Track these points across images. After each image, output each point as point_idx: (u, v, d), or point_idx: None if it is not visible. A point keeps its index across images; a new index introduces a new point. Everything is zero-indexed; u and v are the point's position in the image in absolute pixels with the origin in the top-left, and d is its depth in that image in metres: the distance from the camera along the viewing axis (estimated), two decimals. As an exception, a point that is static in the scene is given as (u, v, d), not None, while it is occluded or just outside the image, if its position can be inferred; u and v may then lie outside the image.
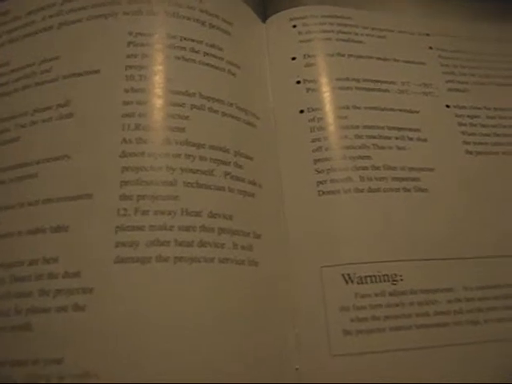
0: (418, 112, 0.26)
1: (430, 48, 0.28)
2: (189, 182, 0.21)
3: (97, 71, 0.23)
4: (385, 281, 0.22)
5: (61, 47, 0.24)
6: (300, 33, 0.27)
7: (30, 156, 0.22)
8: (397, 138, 0.24)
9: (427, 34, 0.29)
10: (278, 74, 0.26)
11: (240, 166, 0.23)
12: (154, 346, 0.19)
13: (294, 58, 0.27)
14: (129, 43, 0.24)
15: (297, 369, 0.21)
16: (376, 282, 0.22)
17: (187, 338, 0.19)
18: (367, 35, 0.27)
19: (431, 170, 0.24)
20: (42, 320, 0.19)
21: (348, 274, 0.22)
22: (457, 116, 0.26)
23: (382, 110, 0.25)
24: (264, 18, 0.28)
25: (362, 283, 0.22)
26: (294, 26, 0.27)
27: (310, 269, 0.22)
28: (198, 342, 0.19)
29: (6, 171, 0.22)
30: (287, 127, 0.25)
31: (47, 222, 0.21)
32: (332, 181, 0.23)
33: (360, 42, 0.27)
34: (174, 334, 0.19)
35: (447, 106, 0.26)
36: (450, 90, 0.27)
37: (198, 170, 0.22)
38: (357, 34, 0.27)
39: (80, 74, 0.23)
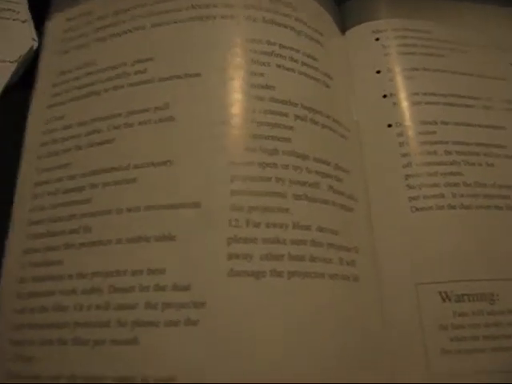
0: (503, 128, 0.24)
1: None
2: (298, 195, 0.19)
3: (197, 75, 0.21)
4: (482, 300, 0.20)
5: (155, 48, 0.22)
6: (384, 46, 0.25)
7: (126, 160, 0.20)
8: (485, 155, 0.23)
9: (509, 49, 0.27)
10: (363, 88, 0.25)
11: (340, 180, 0.21)
12: (270, 364, 0.17)
13: (378, 72, 0.25)
14: (230, 48, 0.21)
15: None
16: (473, 300, 0.20)
17: (299, 354, 0.17)
18: (449, 49, 0.26)
19: (519, 187, 0.22)
20: (151, 334, 0.17)
21: (445, 292, 0.20)
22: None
23: (469, 125, 0.23)
24: (342, 29, 0.26)
25: (460, 301, 0.20)
26: (377, 39, 0.25)
27: (404, 286, 0.21)
28: (308, 358, 0.18)
29: (99, 174, 0.20)
30: (375, 141, 0.23)
31: (151, 231, 0.18)
32: (425, 197, 0.22)
33: (443, 56, 0.25)
34: (288, 352, 0.17)
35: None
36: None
37: (305, 183, 0.20)
38: (439, 49, 0.25)
39: (179, 77, 0.21)
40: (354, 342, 0.19)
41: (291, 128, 0.20)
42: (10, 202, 0.22)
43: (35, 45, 0.26)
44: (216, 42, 0.22)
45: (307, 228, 0.19)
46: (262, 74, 0.21)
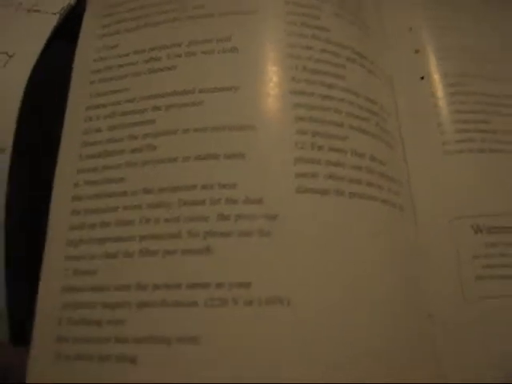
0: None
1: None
2: (354, 126, 0.21)
3: (256, 12, 0.22)
4: (510, 232, 0.22)
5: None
6: (415, 5, 0.28)
7: (190, 84, 0.21)
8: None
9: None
10: (396, 43, 0.27)
11: (384, 120, 0.23)
12: (337, 273, 0.18)
13: (411, 29, 0.27)
14: (285, -9, 0.23)
15: (430, 315, 0.21)
16: (503, 232, 0.22)
17: (354, 261, 0.19)
18: (479, 8, 0.28)
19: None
20: (224, 244, 0.18)
21: (477, 225, 0.22)
22: None
23: (496, 79, 0.26)
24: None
25: (491, 233, 0.22)
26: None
27: (439, 220, 0.23)
28: (361, 272, 0.19)
29: (162, 97, 0.21)
30: (408, 92, 0.25)
31: (219, 149, 0.20)
32: (457, 141, 0.24)
33: (472, 12, 0.28)
34: (345, 257, 0.19)
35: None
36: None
37: (358, 116, 0.21)
38: (469, 7, 0.28)
39: (239, 13, 0.22)
40: (400, 264, 0.21)
41: (344, 67, 0.22)
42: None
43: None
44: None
45: (362, 156, 0.21)
46: (317, 17, 0.23)
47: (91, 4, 0.25)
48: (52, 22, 0.27)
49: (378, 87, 0.24)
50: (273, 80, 0.21)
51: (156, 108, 0.21)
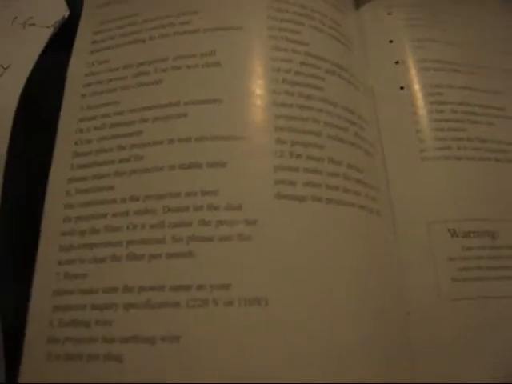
0: (501, 93, 0.28)
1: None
2: (331, 135, 0.22)
3: (240, 28, 0.24)
4: (485, 236, 0.24)
5: (198, 4, 0.24)
6: (396, 19, 0.29)
7: (176, 97, 0.22)
8: (486, 115, 0.27)
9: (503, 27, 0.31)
10: (378, 55, 0.28)
11: (363, 129, 0.24)
12: (315, 277, 0.20)
13: (391, 41, 0.28)
14: (268, 7, 0.24)
15: (408, 313, 0.22)
16: (478, 237, 0.23)
17: (332, 267, 0.20)
18: (454, 23, 0.30)
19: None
20: (206, 248, 0.19)
21: (453, 229, 0.24)
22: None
23: (471, 90, 0.27)
24: (356, 6, 0.30)
25: (466, 237, 0.23)
26: (390, 14, 0.29)
27: (417, 224, 0.24)
28: (339, 276, 0.20)
29: (149, 110, 0.22)
30: (389, 101, 0.27)
31: (203, 158, 0.21)
32: (434, 149, 0.25)
33: (448, 29, 0.29)
34: (323, 263, 0.20)
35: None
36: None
37: (336, 126, 0.23)
38: (445, 23, 0.30)
39: (223, 29, 0.24)
40: (378, 267, 0.22)
41: (323, 79, 0.23)
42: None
43: (67, 14, 0.28)
44: (255, 1, 0.24)
45: (339, 164, 0.22)
46: (297, 32, 0.24)
47: (84, 21, 0.26)
48: (47, 35, 0.28)
49: (357, 98, 0.25)
50: (254, 93, 0.22)
51: (143, 120, 0.22)
